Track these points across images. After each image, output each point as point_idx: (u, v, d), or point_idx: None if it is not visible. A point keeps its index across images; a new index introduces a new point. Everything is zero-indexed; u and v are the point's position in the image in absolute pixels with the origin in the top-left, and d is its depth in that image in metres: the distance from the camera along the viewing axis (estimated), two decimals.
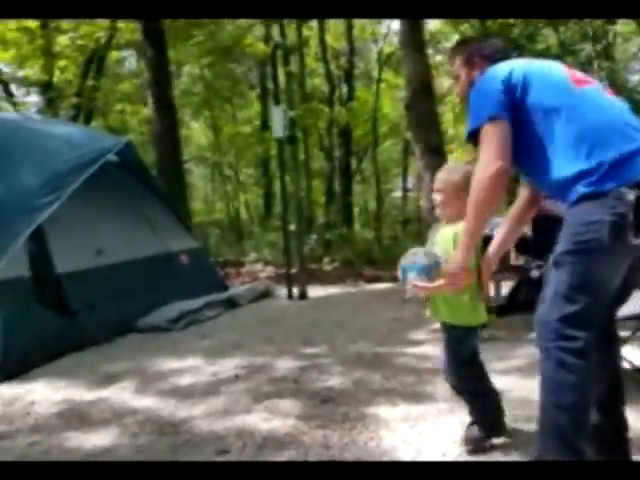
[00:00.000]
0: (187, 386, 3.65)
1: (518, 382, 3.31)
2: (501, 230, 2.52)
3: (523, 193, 2.47)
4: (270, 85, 16.31)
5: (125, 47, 13.88)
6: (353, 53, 15.74)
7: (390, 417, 2.92)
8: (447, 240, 2.44)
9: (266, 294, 6.88)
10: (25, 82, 13.18)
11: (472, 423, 2.56)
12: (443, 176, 2.50)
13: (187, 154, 16.33)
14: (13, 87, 13.85)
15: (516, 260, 4.23)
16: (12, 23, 10.61)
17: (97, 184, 5.06)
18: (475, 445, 2.50)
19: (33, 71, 12.37)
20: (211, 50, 13.48)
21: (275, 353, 4.30)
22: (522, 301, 4.53)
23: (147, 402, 3.39)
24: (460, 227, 2.39)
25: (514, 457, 2.39)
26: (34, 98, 13.84)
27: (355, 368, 3.81)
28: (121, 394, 3.57)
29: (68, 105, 12.70)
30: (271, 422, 2.96)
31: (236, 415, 3.09)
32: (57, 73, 12.25)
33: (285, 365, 3.99)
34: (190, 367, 4.09)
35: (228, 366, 4.02)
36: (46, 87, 12.26)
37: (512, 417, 2.70)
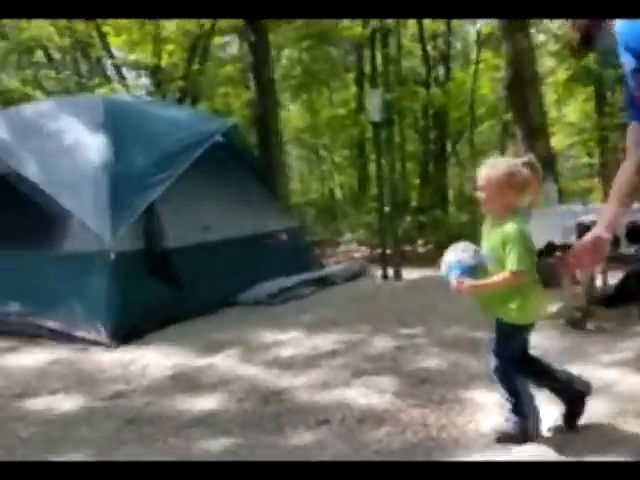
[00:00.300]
0: (288, 357, 3.82)
1: (625, 376, 3.19)
2: (610, 204, 2.19)
3: (628, 162, 2.15)
4: (366, 68, 16.25)
5: (227, 32, 14.28)
6: (450, 34, 15.36)
7: (487, 402, 2.90)
8: (496, 243, 2.37)
9: (361, 274, 6.95)
10: (135, 65, 13.89)
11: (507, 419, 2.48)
12: (484, 172, 2.36)
13: (285, 136, 16.62)
14: (125, 70, 14.60)
15: (627, 248, 4.04)
16: None
17: (203, 164, 5.30)
18: (503, 436, 2.44)
19: (143, 55, 13.03)
20: (309, 34, 13.61)
21: (371, 331, 4.37)
22: (632, 291, 4.33)
23: (252, 371, 3.58)
24: (506, 229, 2.33)
25: (619, 452, 2.31)
26: (144, 81, 14.55)
27: (451, 351, 3.81)
28: (227, 362, 3.78)
29: (175, 88, 13.27)
30: (369, 397, 3.04)
31: (335, 388, 3.20)
32: (165, 57, 12.84)
33: (381, 343, 4.05)
34: (290, 339, 4.25)
35: (326, 341, 4.15)
36: (155, 70, 12.89)
37: (619, 410, 2.62)
